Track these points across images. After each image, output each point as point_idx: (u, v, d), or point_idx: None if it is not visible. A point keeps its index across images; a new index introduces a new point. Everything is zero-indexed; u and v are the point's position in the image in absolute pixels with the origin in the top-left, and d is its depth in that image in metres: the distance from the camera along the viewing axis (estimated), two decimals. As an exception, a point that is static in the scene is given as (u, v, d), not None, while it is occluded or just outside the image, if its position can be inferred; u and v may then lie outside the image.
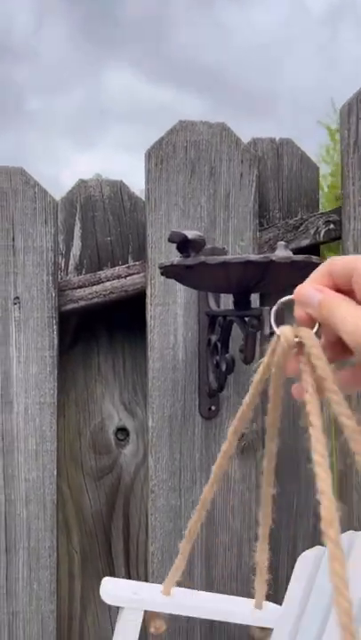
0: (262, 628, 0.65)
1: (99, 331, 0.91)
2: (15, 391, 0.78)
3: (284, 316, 0.47)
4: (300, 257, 0.57)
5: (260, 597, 0.55)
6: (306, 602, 0.64)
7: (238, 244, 0.82)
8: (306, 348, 0.41)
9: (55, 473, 0.79)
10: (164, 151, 0.82)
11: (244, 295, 0.60)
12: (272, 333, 0.47)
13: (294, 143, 0.97)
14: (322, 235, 0.85)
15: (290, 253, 0.65)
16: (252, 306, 0.63)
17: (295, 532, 0.88)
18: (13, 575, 0.76)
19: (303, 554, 0.66)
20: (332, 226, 0.86)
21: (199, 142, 0.82)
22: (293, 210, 0.95)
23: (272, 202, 0.92)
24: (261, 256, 0.56)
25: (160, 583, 0.61)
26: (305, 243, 0.85)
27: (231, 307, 0.73)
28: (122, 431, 0.92)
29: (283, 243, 0.68)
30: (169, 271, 0.61)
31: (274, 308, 0.48)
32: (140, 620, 0.63)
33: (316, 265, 0.61)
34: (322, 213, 0.87)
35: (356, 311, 0.31)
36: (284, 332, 0.42)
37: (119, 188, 0.93)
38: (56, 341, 0.80)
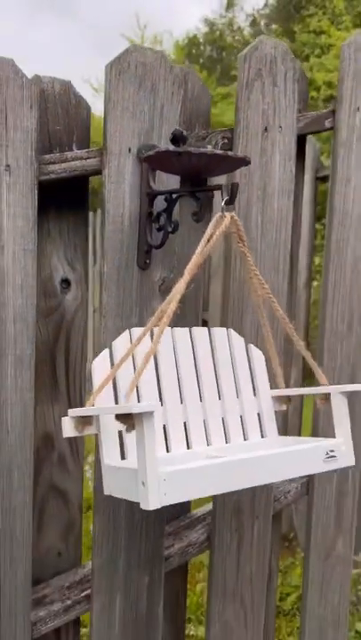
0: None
1: (49, 204, 1.16)
2: (6, 238, 1.01)
3: (236, 191, 0.85)
4: (240, 155, 0.93)
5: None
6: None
7: (168, 144, 1.14)
8: (236, 221, 0.82)
9: (35, 302, 1.06)
10: (121, 66, 1.08)
11: (200, 176, 0.94)
12: (229, 200, 0.86)
13: (195, 73, 1.29)
14: (220, 145, 1.22)
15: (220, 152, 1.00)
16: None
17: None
18: (4, 373, 1.03)
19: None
20: (226, 140, 1.23)
21: (145, 64, 1.11)
22: (193, 124, 1.29)
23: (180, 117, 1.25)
24: (221, 151, 0.90)
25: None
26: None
27: (173, 187, 1.07)
28: (65, 281, 1.20)
29: (210, 147, 1.03)
30: (159, 156, 0.92)
31: (229, 185, 0.86)
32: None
33: (246, 162, 0.97)
34: (220, 130, 1.23)
35: None
36: (226, 213, 0.82)
37: (68, 87, 1.15)
38: (36, 203, 1.04)
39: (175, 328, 1.09)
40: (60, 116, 1.15)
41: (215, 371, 1.13)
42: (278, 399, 1.19)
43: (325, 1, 11.06)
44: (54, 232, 1.18)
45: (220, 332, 1.16)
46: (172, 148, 0.90)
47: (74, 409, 0.91)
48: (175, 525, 1.31)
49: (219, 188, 0.89)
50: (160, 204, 1.10)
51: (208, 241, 0.87)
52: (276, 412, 1.19)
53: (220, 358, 1.13)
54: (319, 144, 3.96)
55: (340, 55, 1.33)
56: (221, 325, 1.20)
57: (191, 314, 1.30)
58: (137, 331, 1.02)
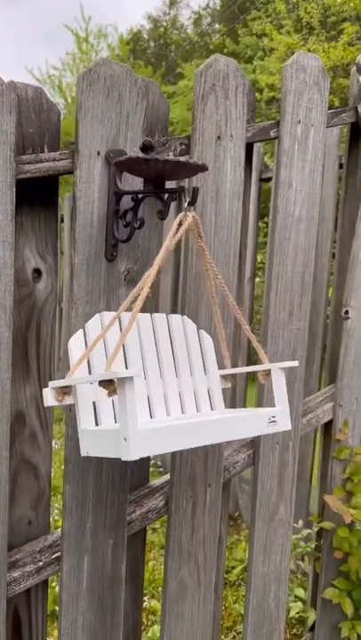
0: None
1: (22, 200, 1.26)
2: (-13, 232, 1.12)
3: (197, 194, 1.00)
4: (199, 162, 1.07)
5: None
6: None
7: (132, 149, 1.27)
8: (196, 220, 0.97)
9: (12, 288, 1.17)
10: (92, 77, 1.20)
11: (163, 180, 1.08)
12: (191, 201, 1.01)
13: (155, 83, 1.43)
14: (178, 151, 1.36)
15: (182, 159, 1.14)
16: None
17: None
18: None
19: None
20: (183, 147, 1.37)
21: (113, 75, 1.23)
22: (153, 131, 1.42)
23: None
24: (183, 158, 1.04)
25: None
26: (170, 155, 1.35)
27: (138, 188, 1.20)
28: (36, 271, 1.31)
29: (171, 153, 1.17)
30: (129, 161, 1.05)
31: (191, 188, 1.00)
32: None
33: (204, 168, 1.12)
34: (179, 137, 1.37)
35: None
36: (188, 213, 0.97)
37: (40, 93, 1.26)
38: (14, 199, 1.15)
39: (138, 314, 1.23)
40: (32, 120, 1.25)
41: (172, 351, 1.27)
42: (225, 377, 1.36)
43: (268, 4, 11.38)
44: (27, 226, 1.28)
45: (176, 318, 1.30)
46: (141, 155, 1.03)
47: (57, 380, 1.03)
48: (136, 495, 1.45)
49: (182, 190, 1.03)
50: (126, 202, 1.22)
51: (174, 236, 1.01)
52: (223, 388, 1.36)
53: (177, 340, 1.28)
54: (262, 145, 4.17)
55: (283, 74, 1.49)
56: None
57: (150, 304, 1.43)
58: (107, 315, 1.15)
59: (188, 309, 1.41)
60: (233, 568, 2.76)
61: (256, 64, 9.89)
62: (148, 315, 1.25)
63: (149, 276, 1.03)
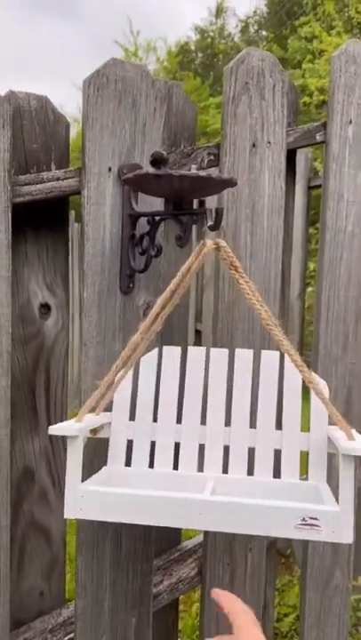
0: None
1: (25, 225, 1.10)
2: (-22, 266, 0.95)
3: (221, 216, 0.80)
4: (225, 176, 0.87)
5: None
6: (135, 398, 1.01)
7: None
8: (223, 248, 0.76)
9: (10, 331, 1.00)
10: (100, 81, 1.02)
11: (183, 199, 0.89)
12: (213, 226, 0.80)
13: (179, 86, 1.24)
14: (206, 162, 1.16)
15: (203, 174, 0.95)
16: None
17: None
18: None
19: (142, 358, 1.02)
20: (212, 157, 1.17)
21: (126, 78, 1.05)
22: (178, 140, 1.24)
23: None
24: (205, 173, 0.85)
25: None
26: (194, 167, 1.15)
27: (157, 209, 1.01)
28: (44, 306, 1.14)
29: (194, 166, 0.98)
30: (137, 179, 0.86)
31: (213, 210, 0.80)
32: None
33: (232, 183, 0.92)
34: (206, 146, 1.17)
35: None
36: (208, 241, 0.76)
37: (44, 103, 1.10)
38: (10, 226, 0.98)
39: (213, 349, 1.03)
40: (36, 134, 1.09)
41: (244, 394, 1.00)
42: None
43: (317, 7, 11.08)
44: (32, 255, 1.12)
45: (270, 355, 1.03)
46: (151, 170, 0.84)
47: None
48: (165, 560, 1.25)
49: (203, 212, 0.84)
50: (143, 226, 1.04)
51: (187, 273, 0.80)
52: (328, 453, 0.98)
53: (265, 381, 1.01)
54: (312, 151, 3.93)
55: (331, 67, 1.27)
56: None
57: (180, 332, 1.24)
58: (169, 350, 1.02)
59: (221, 345, 1.20)
60: (285, 615, 2.50)
61: (305, 67, 9.59)
62: (224, 351, 1.03)
63: (144, 326, 0.84)
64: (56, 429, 0.82)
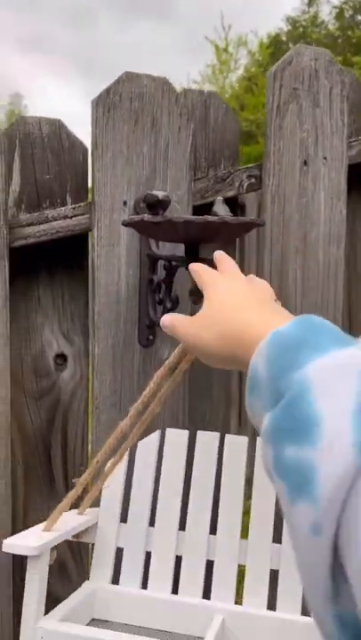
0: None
1: (38, 266, 0.98)
2: (-30, 323, 0.84)
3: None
4: (246, 219, 0.69)
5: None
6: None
7: (175, 193, 0.92)
8: None
9: (9, 398, 0.88)
10: (111, 100, 0.87)
11: (196, 246, 0.72)
12: (195, 300, 0.61)
13: (218, 95, 1.06)
14: (245, 187, 0.98)
15: (227, 209, 0.77)
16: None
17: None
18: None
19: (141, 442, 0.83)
20: (253, 180, 0.98)
21: (143, 94, 0.89)
22: (218, 159, 1.06)
23: (199, 151, 1.02)
24: (217, 218, 0.67)
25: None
26: (230, 194, 0.97)
27: (173, 252, 0.84)
28: (60, 357, 1.01)
29: (220, 199, 0.80)
30: (136, 224, 0.70)
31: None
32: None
33: (256, 225, 0.73)
34: (245, 168, 0.99)
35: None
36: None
37: (58, 127, 0.96)
38: (7, 278, 0.86)
39: (228, 435, 0.83)
40: (49, 163, 0.96)
41: None
42: None
43: None
44: (45, 300, 0.99)
45: None
46: (146, 217, 0.68)
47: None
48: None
49: (210, 261, 0.66)
50: (160, 270, 0.88)
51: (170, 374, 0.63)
52: None
53: None
54: None
55: None
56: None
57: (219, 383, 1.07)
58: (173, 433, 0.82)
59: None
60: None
61: None
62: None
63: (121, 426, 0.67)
64: (10, 546, 0.66)
